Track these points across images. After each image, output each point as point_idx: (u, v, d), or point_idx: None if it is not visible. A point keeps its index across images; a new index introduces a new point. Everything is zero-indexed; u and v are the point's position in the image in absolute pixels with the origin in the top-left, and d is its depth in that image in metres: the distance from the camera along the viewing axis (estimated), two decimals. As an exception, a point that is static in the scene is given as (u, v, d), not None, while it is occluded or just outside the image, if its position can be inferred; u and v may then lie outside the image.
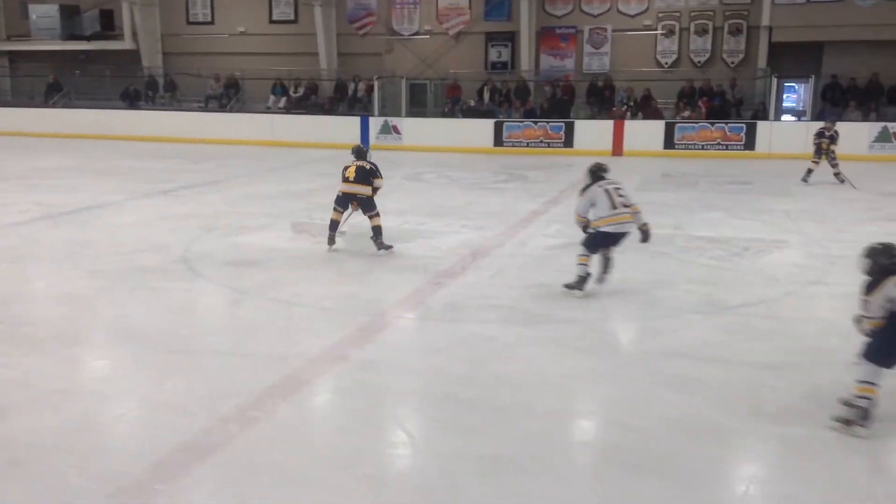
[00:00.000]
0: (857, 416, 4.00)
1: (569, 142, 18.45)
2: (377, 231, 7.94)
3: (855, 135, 16.48)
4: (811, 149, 13.05)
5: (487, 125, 19.16)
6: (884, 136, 16.53)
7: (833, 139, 12.77)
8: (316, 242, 8.47)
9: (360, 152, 8.30)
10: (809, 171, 12.88)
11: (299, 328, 5.87)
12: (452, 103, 20.90)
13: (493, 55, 22.31)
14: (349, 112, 21.07)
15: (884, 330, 4.04)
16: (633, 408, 4.42)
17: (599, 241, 6.47)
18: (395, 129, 19.54)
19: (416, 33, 22.72)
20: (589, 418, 4.54)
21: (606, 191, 6.48)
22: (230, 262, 7.71)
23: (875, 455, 3.93)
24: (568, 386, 4.79)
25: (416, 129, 19.57)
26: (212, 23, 24.48)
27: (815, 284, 6.94)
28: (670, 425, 4.17)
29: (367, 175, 7.95)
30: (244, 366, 5.01)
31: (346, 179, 7.98)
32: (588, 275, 6.44)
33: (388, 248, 7.97)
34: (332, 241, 8.13)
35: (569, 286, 6.47)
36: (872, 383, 4.01)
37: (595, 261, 6.53)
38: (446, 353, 5.28)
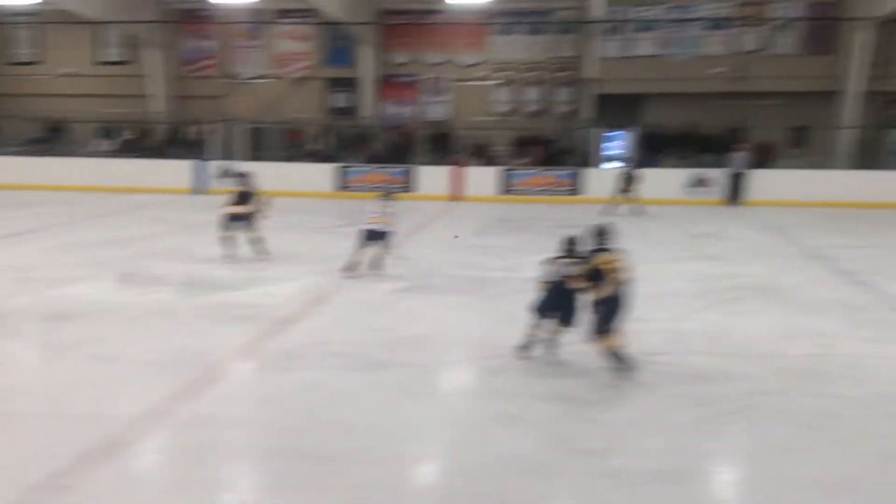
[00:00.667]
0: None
1: (410, 186, 18.75)
2: None
3: (670, 180, 17.85)
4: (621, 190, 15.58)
5: (329, 170, 19.14)
6: (695, 181, 17.98)
7: (631, 180, 15.61)
8: (142, 293, 8.06)
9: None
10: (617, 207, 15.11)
11: (122, 385, 5.53)
12: (294, 147, 20.74)
13: (336, 101, 22.42)
14: (185, 156, 20.39)
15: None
16: (468, 449, 4.49)
17: None
18: (234, 176, 19.03)
19: (257, 77, 22.46)
20: (425, 462, 4.55)
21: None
22: (47, 317, 7.18)
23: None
24: (406, 431, 4.80)
25: (256, 172, 19.15)
26: (38, 63, 23.09)
27: (635, 321, 7.29)
28: (503, 465, 4.26)
29: None
30: (59, 428, 4.65)
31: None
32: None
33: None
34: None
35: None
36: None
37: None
38: (282, 403, 5.15)
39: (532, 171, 18.66)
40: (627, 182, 15.88)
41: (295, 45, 22.31)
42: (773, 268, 9.97)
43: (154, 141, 21.28)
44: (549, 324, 5.98)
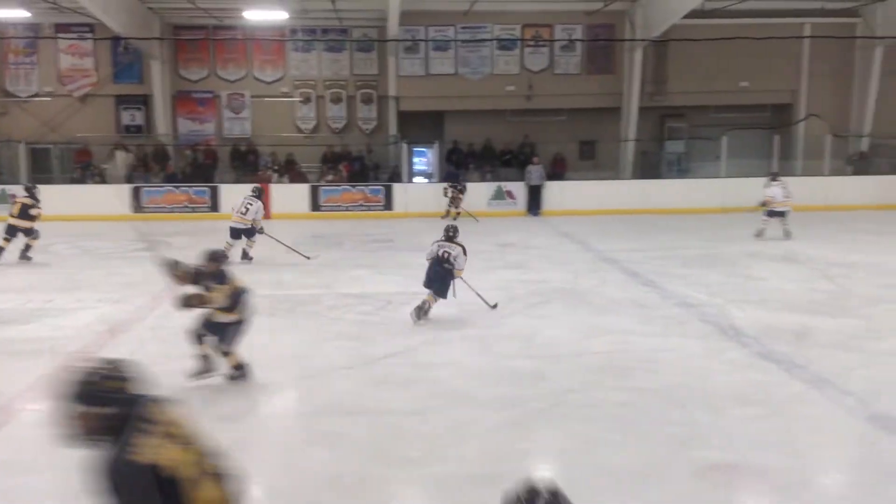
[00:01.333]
0: None
1: (214, 206, 18.06)
2: None
3: (475, 193, 18.52)
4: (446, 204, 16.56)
5: (123, 191, 17.99)
6: (499, 194, 18.77)
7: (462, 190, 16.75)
8: None
9: None
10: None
11: None
12: (83, 168, 19.30)
13: (126, 118, 21.14)
14: (-46, 180, 18.41)
15: None
16: (287, 470, 4.37)
17: None
18: (13, 198, 17.41)
19: (36, 95, 20.69)
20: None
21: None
22: None
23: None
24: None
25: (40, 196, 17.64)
26: None
27: (449, 330, 7.54)
28: (320, 484, 4.19)
29: None
30: None
31: None
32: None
33: None
34: None
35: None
36: None
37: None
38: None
39: (341, 187, 18.62)
40: (455, 194, 17.12)
41: (78, 61, 20.80)
42: (571, 272, 10.60)
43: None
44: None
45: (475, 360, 6.56)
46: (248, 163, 19.82)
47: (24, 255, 11.32)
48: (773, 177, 14.37)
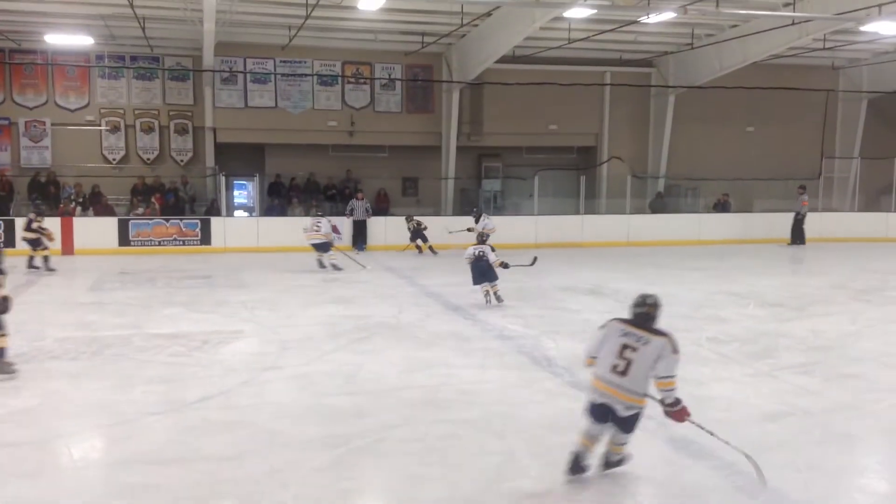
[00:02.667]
0: None
1: (9, 241, 16.52)
2: None
3: (298, 228, 18.25)
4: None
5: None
6: (322, 229, 18.59)
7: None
8: None
9: None
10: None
11: None
12: None
13: None
14: None
15: None
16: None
17: None
18: None
19: None
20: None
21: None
22: None
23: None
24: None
25: None
26: None
27: (269, 370, 7.33)
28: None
29: None
30: None
31: None
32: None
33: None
34: None
35: None
36: None
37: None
38: None
39: (153, 220, 17.69)
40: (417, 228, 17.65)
41: None
42: (395, 306, 10.68)
43: None
44: None
45: (295, 399, 6.40)
46: (48, 194, 18.37)
47: None
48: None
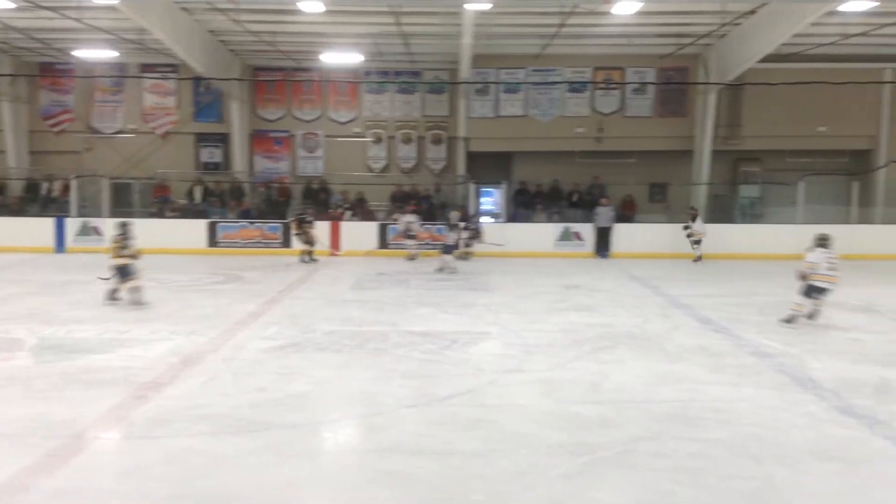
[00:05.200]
0: None
1: (286, 242, 18.45)
2: None
3: (542, 234, 18.48)
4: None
5: (200, 225, 18.59)
6: (566, 235, 18.65)
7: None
8: (-4, 359, 7.47)
9: None
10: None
11: (-31, 461, 5.05)
12: (160, 203, 20.04)
13: (205, 155, 21.94)
14: (42, 213, 19.29)
15: None
16: (351, 510, 4.36)
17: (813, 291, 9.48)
18: (96, 231, 18.19)
19: (120, 132, 21.69)
20: (306, 527, 4.39)
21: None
22: None
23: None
24: (285, 495, 4.62)
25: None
26: None
27: (513, 372, 7.47)
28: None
29: None
30: None
31: None
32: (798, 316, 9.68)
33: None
34: None
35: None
36: None
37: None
38: (151, 472, 4.85)
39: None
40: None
41: (161, 100, 21.75)
42: (640, 317, 10.41)
43: (11, 198, 20.04)
44: None
45: (539, 403, 6.46)
46: (319, 200, 20.24)
47: (137, 296, 10.82)
48: (820, 240, 9.93)
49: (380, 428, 5.83)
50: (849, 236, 17.98)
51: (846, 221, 18.42)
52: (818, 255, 9.58)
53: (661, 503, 4.54)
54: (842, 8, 13.86)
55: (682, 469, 5.02)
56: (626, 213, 19.69)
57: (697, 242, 17.38)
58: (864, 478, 4.91)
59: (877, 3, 13.56)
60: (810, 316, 9.79)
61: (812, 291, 9.60)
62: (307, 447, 5.47)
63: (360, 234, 18.73)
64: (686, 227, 17.58)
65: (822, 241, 9.71)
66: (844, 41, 17.24)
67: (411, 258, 17.04)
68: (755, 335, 9.14)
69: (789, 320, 9.70)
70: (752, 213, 20.44)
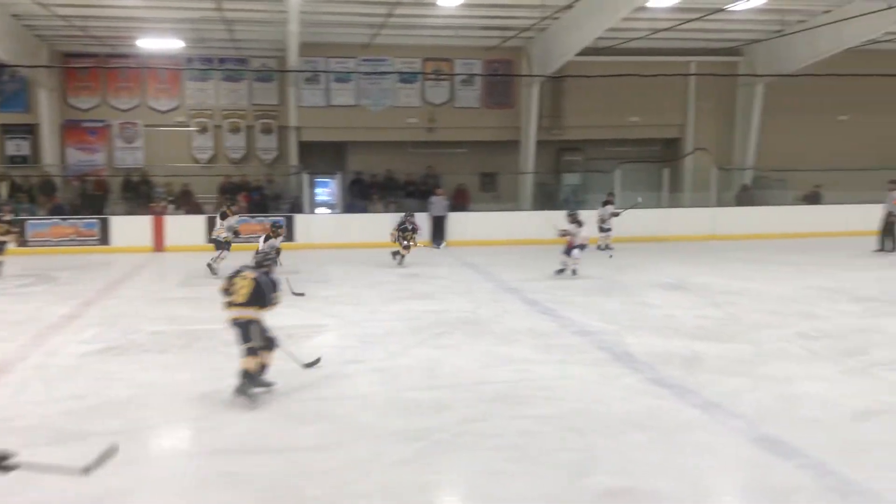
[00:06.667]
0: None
1: (104, 239, 17.35)
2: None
3: (378, 224, 18.53)
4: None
5: (6, 224, 17.05)
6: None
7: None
8: None
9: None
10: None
11: None
12: (-40, 201, 18.22)
13: (11, 148, 20.18)
14: None
15: None
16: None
17: None
18: None
19: None
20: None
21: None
22: None
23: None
24: (111, 503, 4.36)
25: None
26: None
27: (351, 363, 7.45)
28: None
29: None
30: None
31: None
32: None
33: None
34: None
35: None
36: None
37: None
38: (-50, 495, 4.41)
39: (243, 217, 18.19)
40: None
41: (-44, 88, 19.76)
42: (473, 302, 10.70)
43: None
44: None
45: (377, 392, 6.49)
46: (140, 194, 19.17)
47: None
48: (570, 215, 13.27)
49: (211, 429, 5.64)
50: (660, 219, 19.42)
51: (658, 205, 19.84)
52: (573, 227, 12.83)
53: (491, 481, 4.70)
54: (650, 4, 14.84)
55: (512, 447, 5.22)
56: (460, 202, 20.14)
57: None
58: (677, 444, 5.30)
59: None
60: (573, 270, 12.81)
61: (569, 251, 12.74)
62: (131, 454, 5.16)
63: (186, 228, 17.94)
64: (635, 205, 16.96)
65: (572, 217, 13.10)
66: (654, 36, 18.49)
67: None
68: (579, 316, 9.64)
69: (560, 272, 12.81)
70: (576, 201, 21.52)
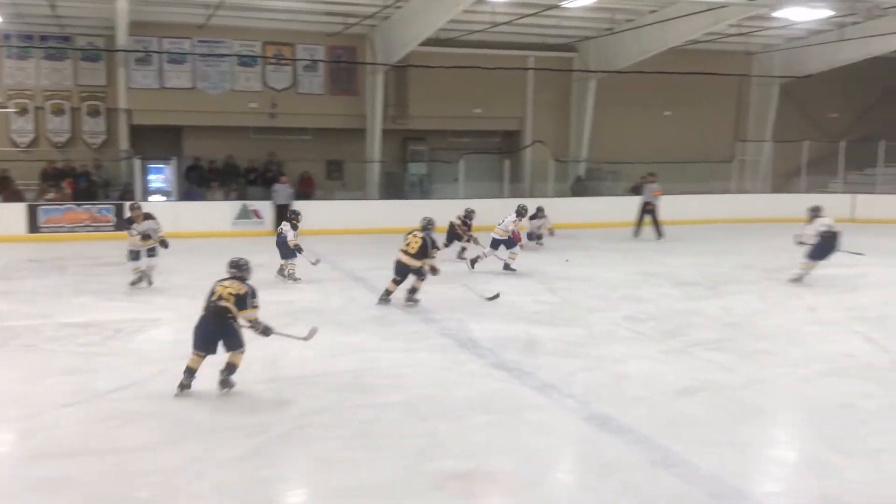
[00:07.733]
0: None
1: None
2: None
3: (218, 212, 17.89)
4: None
5: None
6: (244, 213, 18.21)
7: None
8: None
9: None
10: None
11: None
12: None
13: None
14: None
15: None
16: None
17: None
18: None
19: None
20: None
21: None
22: None
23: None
24: None
25: None
26: None
27: (186, 359, 7.09)
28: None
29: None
30: None
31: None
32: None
33: None
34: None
35: None
36: None
37: None
38: None
39: (65, 206, 16.98)
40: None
41: None
42: (320, 292, 10.56)
43: None
44: None
45: (213, 388, 6.25)
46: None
47: None
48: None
49: (32, 431, 5.25)
50: (502, 209, 19.94)
51: (500, 196, 20.36)
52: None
53: (333, 471, 4.66)
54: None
55: (355, 435, 5.21)
56: (305, 190, 19.74)
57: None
58: (516, 424, 5.49)
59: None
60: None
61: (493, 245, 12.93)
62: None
63: (4, 216, 16.53)
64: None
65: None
66: (494, 29, 18.92)
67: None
68: (425, 304, 9.74)
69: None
70: (422, 190, 21.71)
